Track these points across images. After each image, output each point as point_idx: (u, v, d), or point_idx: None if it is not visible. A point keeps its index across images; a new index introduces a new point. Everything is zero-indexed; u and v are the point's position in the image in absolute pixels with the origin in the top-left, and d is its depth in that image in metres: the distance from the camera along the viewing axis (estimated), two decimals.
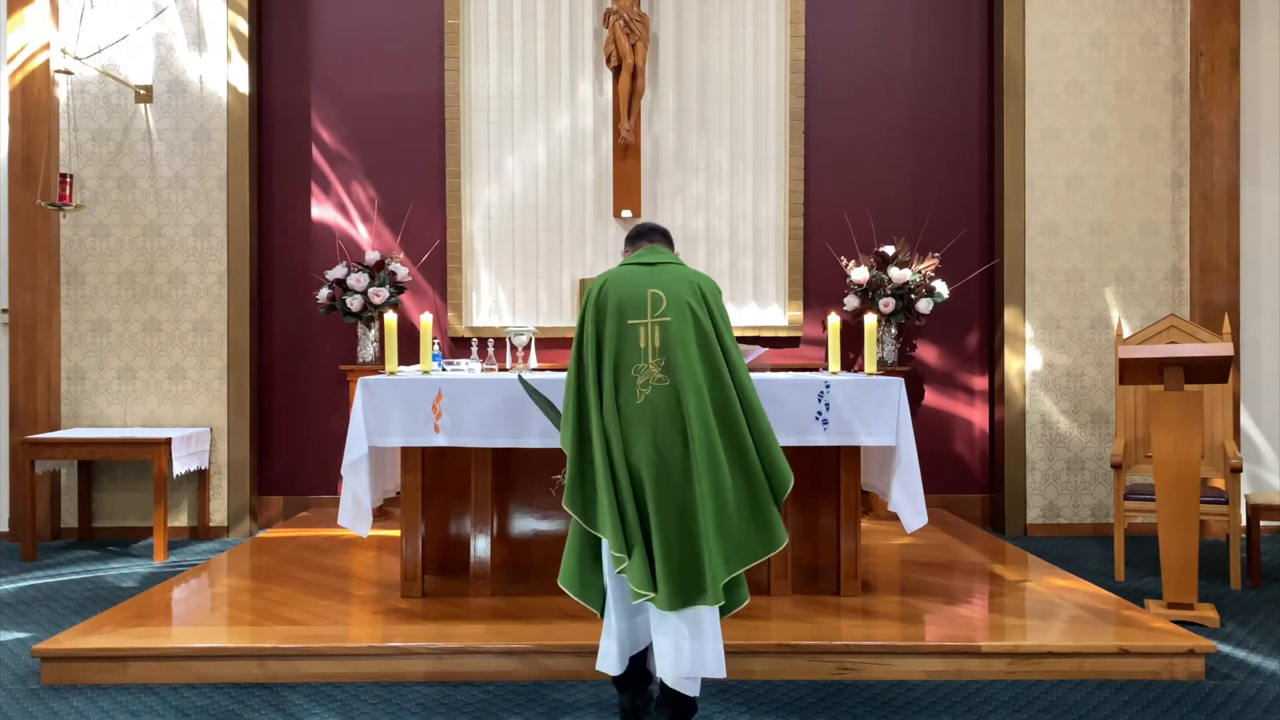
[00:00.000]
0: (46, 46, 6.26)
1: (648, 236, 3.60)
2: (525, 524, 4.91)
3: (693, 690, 3.22)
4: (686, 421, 3.23)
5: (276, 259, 6.73)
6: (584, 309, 3.43)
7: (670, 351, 3.28)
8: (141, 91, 6.40)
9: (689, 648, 3.20)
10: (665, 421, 3.24)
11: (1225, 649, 4.15)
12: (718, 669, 3.22)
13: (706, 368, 3.30)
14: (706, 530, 3.18)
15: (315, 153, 6.76)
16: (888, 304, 6.34)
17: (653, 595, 3.16)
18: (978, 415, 6.83)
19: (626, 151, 6.70)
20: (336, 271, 6.39)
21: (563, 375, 4.52)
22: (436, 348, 5.48)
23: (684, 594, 3.18)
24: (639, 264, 3.45)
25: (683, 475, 3.23)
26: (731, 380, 3.32)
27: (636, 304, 3.33)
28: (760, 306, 6.84)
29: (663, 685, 3.26)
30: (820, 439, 4.39)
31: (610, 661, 3.31)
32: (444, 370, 4.85)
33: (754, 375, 4.49)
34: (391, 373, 4.58)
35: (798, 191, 6.75)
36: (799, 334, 6.78)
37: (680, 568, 3.19)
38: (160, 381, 6.42)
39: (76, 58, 6.21)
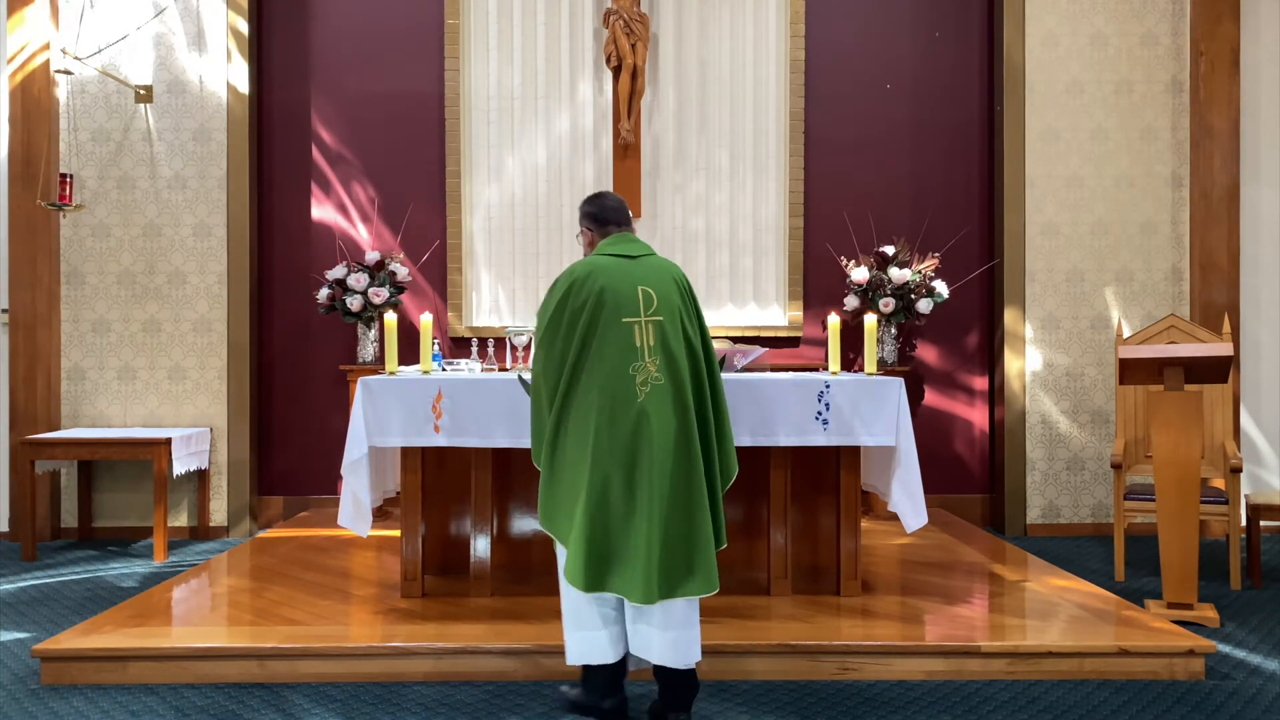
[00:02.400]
0: (46, 46, 6.26)
1: (620, 222, 3.51)
2: (525, 524, 4.91)
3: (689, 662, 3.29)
4: (685, 418, 3.28)
5: (276, 259, 6.73)
6: (564, 299, 3.33)
7: (665, 351, 3.30)
8: (141, 91, 6.40)
9: (684, 637, 3.27)
10: (663, 420, 3.26)
11: (1225, 649, 4.15)
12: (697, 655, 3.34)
13: (692, 366, 3.36)
14: (704, 520, 3.27)
15: (315, 153, 6.76)
16: (888, 304, 6.34)
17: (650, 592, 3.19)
18: (978, 415, 6.84)
19: (626, 151, 6.70)
20: (336, 271, 6.39)
21: None
22: (436, 348, 5.48)
23: (675, 582, 3.25)
24: (623, 256, 3.40)
25: (683, 473, 3.26)
26: (709, 378, 3.40)
27: (630, 301, 3.30)
28: (760, 306, 6.84)
29: (662, 672, 3.28)
30: (820, 439, 4.39)
31: (603, 649, 3.30)
32: (444, 370, 4.85)
33: (754, 375, 4.51)
34: (391, 373, 4.58)
35: (798, 191, 6.75)
36: (799, 334, 6.78)
37: (680, 558, 3.24)
38: (160, 381, 6.42)
39: (76, 58, 6.21)
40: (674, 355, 3.31)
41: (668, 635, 3.25)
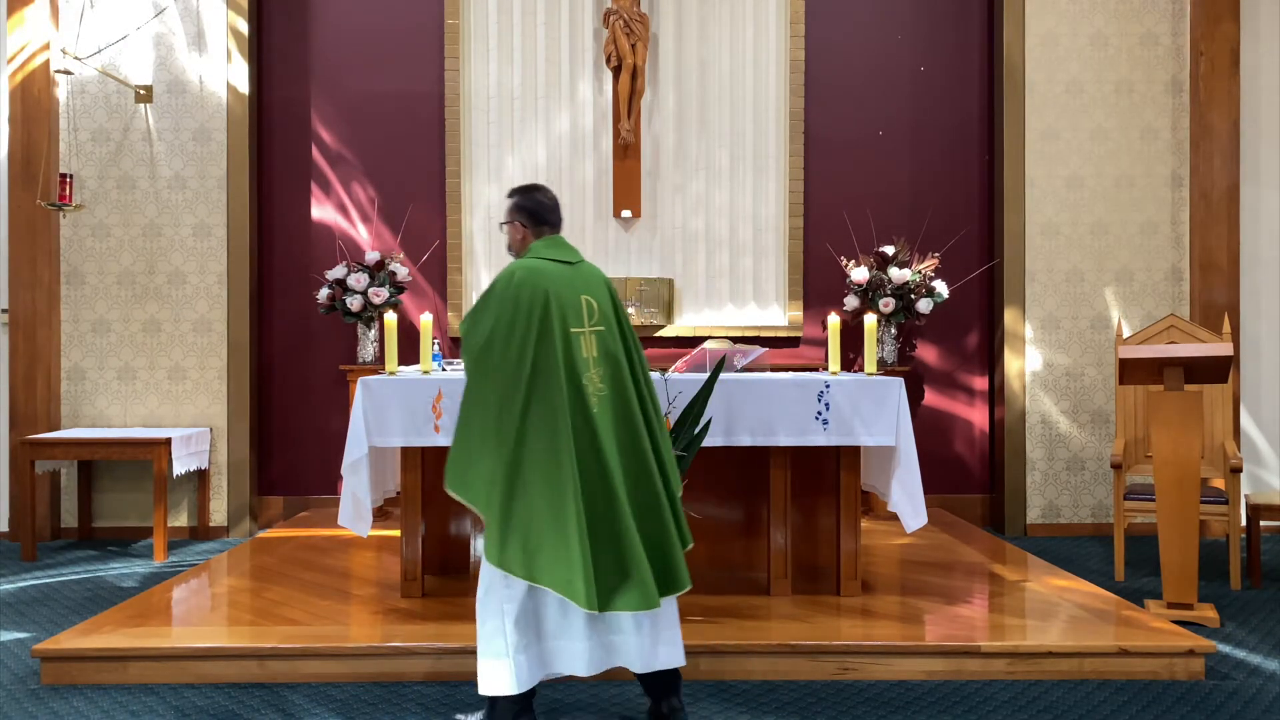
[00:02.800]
0: (46, 46, 6.26)
1: (556, 223, 3.38)
2: None
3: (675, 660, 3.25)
4: (633, 427, 3.22)
5: (276, 259, 6.73)
6: (511, 305, 3.16)
7: (607, 362, 3.23)
8: (141, 91, 6.40)
9: (674, 635, 3.28)
10: (614, 432, 3.20)
11: (1225, 649, 4.15)
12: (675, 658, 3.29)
13: (631, 375, 3.28)
14: (670, 523, 3.23)
15: (315, 153, 6.76)
16: (888, 304, 6.34)
17: (637, 601, 3.13)
18: (978, 415, 6.83)
19: (626, 151, 6.70)
20: (336, 271, 6.39)
21: None
22: (436, 348, 5.48)
23: (665, 585, 3.21)
24: (563, 261, 3.29)
25: (645, 481, 3.22)
26: (646, 386, 3.34)
27: (575, 311, 3.21)
28: (760, 306, 6.84)
29: (650, 675, 3.27)
30: (820, 439, 4.39)
31: (516, 679, 3.11)
32: (444, 370, 4.85)
33: (754, 375, 4.51)
34: (391, 373, 4.58)
35: (798, 191, 6.76)
36: (799, 334, 6.78)
37: (660, 562, 3.20)
38: (160, 381, 6.42)
39: (76, 58, 6.21)
40: (617, 365, 3.24)
41: (662, 635, 3.24)
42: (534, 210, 3.38)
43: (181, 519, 6.43)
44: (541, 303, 3.17)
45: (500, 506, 3.10)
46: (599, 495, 3.15)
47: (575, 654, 3.19)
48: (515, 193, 3.44)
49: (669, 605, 3.26)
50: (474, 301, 6.69)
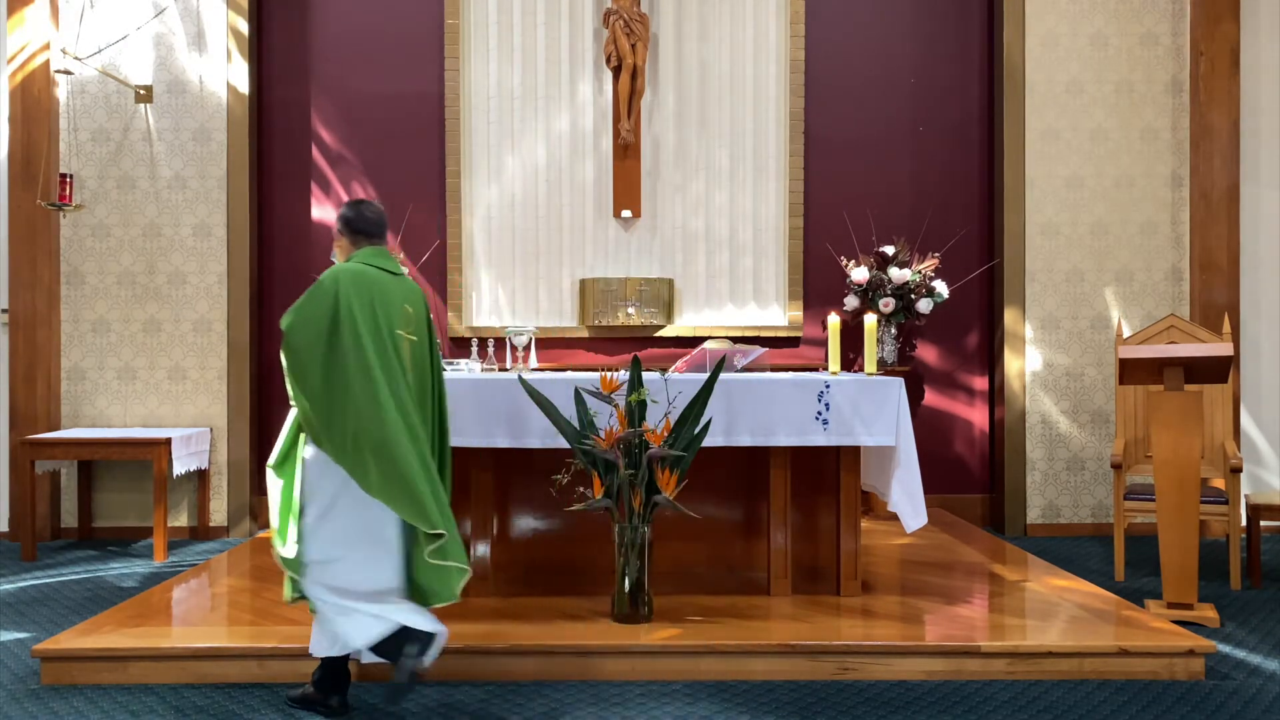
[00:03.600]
0: (46, 46, 6.26)
1: (378, 235, 3.57)
2: (525, 524, 4.91)
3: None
4: (430, 430, 3.51)
5: (276, 259, 6.73)
6: (335, 304, 3.32)
7: (417, 368, 3.49)
8: (141, 91, 6.40)
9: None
10: (418, 428, 3.42)
11: (1225, 649, 4.15)
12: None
13: (433, 384, 3.58)
14: (450, 520, 3.43)
15: (315, 153, 6.76)
16: (888, 304, 6.34)
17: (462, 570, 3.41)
18: (978, 415, 6.84)
19: (626, 151, 6.70)
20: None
21: (563, 375, 4.53)
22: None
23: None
24: (385, 270, 3.49)
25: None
26: (440, 403, 3.63)
27: (397, 316, 3.44)
28: (760, 306, 6.84)
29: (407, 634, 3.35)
30: (820, 439, 4.39)
31: (374, 631, 3.32)
32: (444, 370, 4.84)
33: (754, 375, 4.51)
34: None
35: (798, 191, 6.76)
36: (799, 334, 6.78)
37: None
38: (160, 381, 6.42)
39: (76, 58, 6.21)
40: (422, 376, 3.52)
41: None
42: (354, 222, 3.56)
43: (181, 519, 6.43)
44: (367, 304, 3.35)
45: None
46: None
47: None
48: (344, 205, 3.66)
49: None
50: (477, 301, 6.78)
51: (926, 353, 6.83)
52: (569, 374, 4.67)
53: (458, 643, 3.83)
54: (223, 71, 6.44)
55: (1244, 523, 5.29)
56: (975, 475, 6.85)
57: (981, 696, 3.64)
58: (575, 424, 4.15)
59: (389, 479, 3.27)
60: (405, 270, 6.22)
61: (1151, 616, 4.21)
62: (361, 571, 3.36)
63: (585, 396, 4.17)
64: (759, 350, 4.86)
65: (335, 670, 3.47)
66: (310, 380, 3.32)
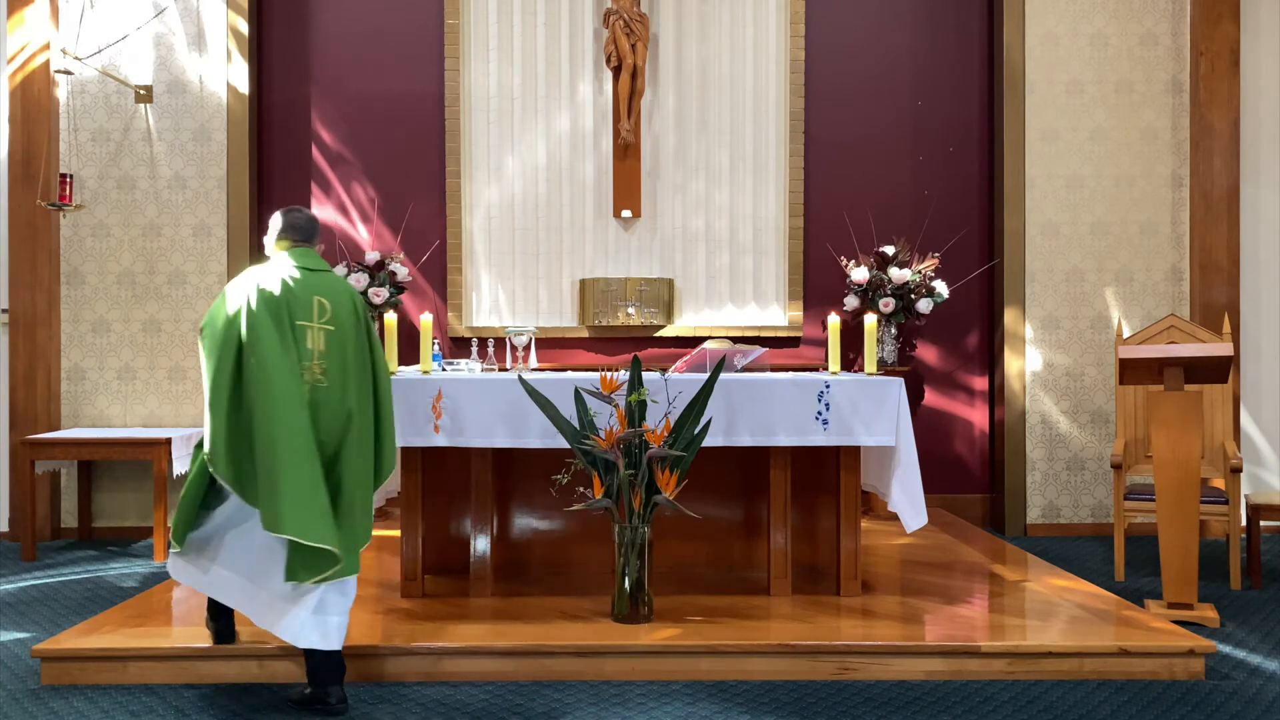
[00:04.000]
0: (46, 46, 6.26)
1: (304, 240, 3.77)
2: (525, 524, 4.91)
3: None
4: (349, 418, 3.58)
5: None
6: (247, 299, 3.53)
7: (330, 357, 3.59)
8: (141, 91, 6.40)
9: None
10: (328, 416, 3.54)
11: (1225, 649, 4.15)
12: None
13: (357, 373, 3.66)
14: (355, 509, 3.58)
15: (315, 153, 6.76)
16: (888, 304, 6.34)
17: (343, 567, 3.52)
18: (978, 415, 6.84)
19: (626, 151, 6.70)
20: (337, 271, 6.39)
21: (563, 375, 4.53)
22: (436, 348, 5.48)
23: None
24: (304, 267, 3.67)
25: (342, 462, 3.56)
26: (373, 385, 3.72)
27: (305, 307, 3.59)
28: (760, 306, 6.84)
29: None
30: (820, 439, 4.39)
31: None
32: (444, 370, 4.85)
33: (754, 375, 4.51)
34: (391, 373, 4.57)
35: (798, 191, 6.76)
36: (799, 334, 6.78)
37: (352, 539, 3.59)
38: (160, 381, 6.42)
39: (76, 58, 6.21)
40: (344, 365, 3.61)
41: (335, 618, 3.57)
42: (282, 228, 3.79)
43: None
44: (274, 297, 3.53)
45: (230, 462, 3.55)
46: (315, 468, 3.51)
47: None
48: (278, 211, 3.87)
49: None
50: (477, 301, 6.78)
51: (926, 353, 6.83)
52: (569, 374, 4.67)
53: (458, 643, 3.83)
54: (223, 71, 6.44)
55: (1244, 523, 5.29)
56: (975, 475, 6.85)
57: (981, 696, 3.64)
58: (575, 424, 4.15)
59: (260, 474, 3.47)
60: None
61: (1151, 616, 4.21)
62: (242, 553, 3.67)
63: (585, 396, 4.17)
64: (759, 350, 4.86)
65: (321, 660, 3.52)
66: (216, 374, 3.56)
